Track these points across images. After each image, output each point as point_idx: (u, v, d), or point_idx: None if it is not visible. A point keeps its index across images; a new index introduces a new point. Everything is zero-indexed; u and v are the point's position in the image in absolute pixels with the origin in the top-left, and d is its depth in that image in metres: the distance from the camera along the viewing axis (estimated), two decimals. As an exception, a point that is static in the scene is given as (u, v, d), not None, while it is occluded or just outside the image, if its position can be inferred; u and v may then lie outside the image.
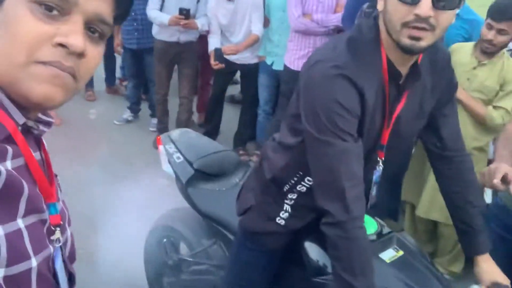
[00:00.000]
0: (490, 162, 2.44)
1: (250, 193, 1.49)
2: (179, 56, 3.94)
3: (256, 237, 1.49)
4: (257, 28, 3.72)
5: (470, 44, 2.45)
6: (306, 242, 1.47)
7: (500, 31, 2.23)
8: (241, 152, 4.10)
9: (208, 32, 3.85)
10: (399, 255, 1.43)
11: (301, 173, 1.34)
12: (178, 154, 2.03)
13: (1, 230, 0.53)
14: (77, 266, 0.72)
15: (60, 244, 0.66)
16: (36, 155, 0.64)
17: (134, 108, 4.72)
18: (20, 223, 0.56)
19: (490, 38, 2.26)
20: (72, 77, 0.59)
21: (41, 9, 0.56)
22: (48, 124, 0.67)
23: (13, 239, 0.54)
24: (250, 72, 3.92)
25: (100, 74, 4.98)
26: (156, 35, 3.90)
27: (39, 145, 0.67)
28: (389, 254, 1.42)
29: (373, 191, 1.38)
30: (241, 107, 4.25)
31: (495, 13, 2.22)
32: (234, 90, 5.11)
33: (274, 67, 3.71)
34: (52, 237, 0.64)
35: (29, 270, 0.56)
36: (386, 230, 1.50)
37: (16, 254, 0.54)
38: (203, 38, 4.01)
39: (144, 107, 4.72)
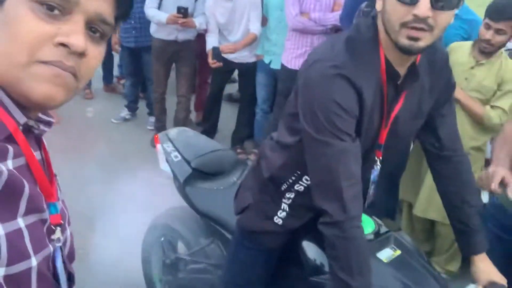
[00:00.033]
0: (487, 161, 2.45)
1: (248, 192, 1.49)
2: (177, 55, 3.93)
3: (254, 236, 1.49)
4: (255, 27, 3.72)
5: (468, 44, 2.46)
6: (304, 242, 1.47)
7: (498, 31, 2.23)
8: (239, 150, 4.10)
9: (206, 30, 3.85)
10: (397, 254, 1.43)
11: (299, 172, 1.34)
12: (176, 153, 2.02)
13: (2, 229, 0.53)
14: (74, 265, 0.72)
15: (61, 243, 0.66)
16: (37, 154, 0.64)
17: (132, 107, 4.71)
18: (21, 222, 0.56)
19: (488, 38, 2.26)
20: (73, 76, 0.60)
21: (43, 8, 0.56)
22: (48, 123, 0.67)
23: (14, 238, 0.54)
24: (248, 71, 3.92)
25: (97, 72, 4.96)
26: (154, 34, 3.89)
27: (39, 144, 0.67)
28: (386, 254, 1.42)
29: (371, 190, 1.38)
30: (239, 106, 4.25)
31: (493, 13, 2.22)
32: (232, 88, 5.11)
33: (272, 66, 3.71)
34: (52, 237, 0.64)
35: (29, 269, 0.57)
36: (383, 229, 1.50)
37: (16, 253, 0.55)
38: (201, 37, 4.00)
39: (142, 105, 4.71)
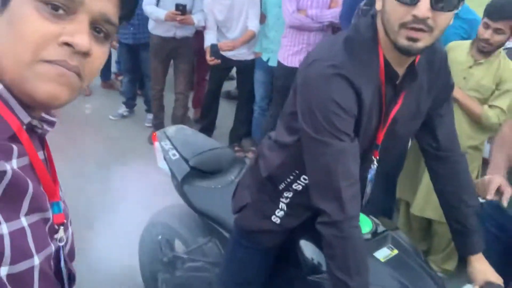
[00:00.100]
0: (485, 161, 2.45)
1: (245, 191, 1.49)
2: (175, 52, 3.92)
3: (252, 235, 1.49)
4: (254, 24, 3.71)
5: (467, 43, 2.46)
6: (302, 241, 1.47)
7: (496, 30, 2.23)
8: (236, 148, 4.10)
9: (204, 28, 3.84)
10: (394, 254, 1.43)
11: (297, 171, 1.34)
12: (174, 151, 2.02)
13: (6, 228, 0.53)
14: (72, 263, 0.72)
15: (64, 242, 0.66)
16: (40, 154, 0.64)
17: (130, 103, 4.70)
18: (24, 221, 0.56)
19: (486, 37, 2.26)
20: (77, 76, 0.60)
21: (48, 8, 0.57)
22: (51, 123, 0.67)
23: (17, 237, 0.55)
24: (246, 69, 3.92)
25: (95, 68, 4.94)
26: (152, 30, 3.88)
27: (42, 144, 0.67)
28: (383, 253, 1.42)
29: (368, 189, 1.38)
30: (237, 103, 4.25)
31: (491, 13, 2.22)
32: (230, 86, 5.10)
33: (270, 64, 3.71)
34: (55, 236, 0.65)
35: (31, 268, 0.57)
36: (381, 228, 1.51)
37: (19, 252, 0.55)
38: (199, 34, 3.99)
39: (140, 102, 4.70)
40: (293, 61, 3.41)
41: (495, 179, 1.45)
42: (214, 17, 3.74)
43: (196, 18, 3.73)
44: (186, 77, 4.07)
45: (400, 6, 1.02)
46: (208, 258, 1.93)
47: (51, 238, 0.63)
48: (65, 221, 0.67)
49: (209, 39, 3.77)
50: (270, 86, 3.85)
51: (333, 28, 3.45)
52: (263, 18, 3.78)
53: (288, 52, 3.43)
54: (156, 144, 2.09)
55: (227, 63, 3.88)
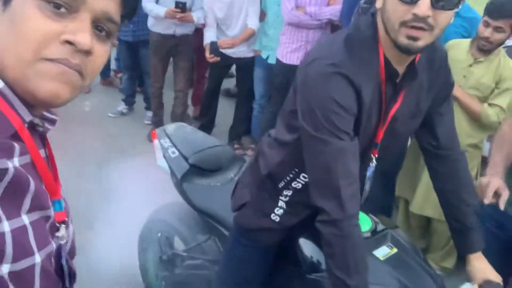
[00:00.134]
0: (484, 159, 2.45)
1: (245, 189, 1.49)
2: (175, 49, 3.92)
3: (251, 233, 1.49)
4: (253, 22, 3.70)
5: (467, 41, 2.45)
6: (301, 239, 1.47)
7: (496, 29, 2.23)
8: (236, 146, 4.10)
9: (204, 25, 3.83)
10: (393, 252, 1.43)
11: (296, 170, 1.34)
12: (173, 149, 2.02)
13: (7, 226, 0.53)
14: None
15: (65, 240, 0.66)
16: (41, 152, 0.64)
17: (129, 101, 4.70)
18: (25, 219, 0.57)
19: (486, 36, 2.26)
20: (79, 74, 0.60)
21: (49, 6, 0.57)
22: (52, 121, 0.67)
23: (18, 235, 0.55)
24: (246, 66, 3.91)
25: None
26: (151, 28, 3.87)
27: (43, 142, 0.67)
28: (383, 252, 1.42)
29: (367, 187, 1.38)
30: (237, 101, 4.24)
31: (492, 11, 2.22)
32: (229, 83, 5.09)
33: (270, 61, 3.70)
34: (57, 234, 0.65)
35: (33, 266, 0.57)
36: (380, 227, 1.51)
37: (21, 250, 0.55)
38: (199, 31, 3.99)
39: (139, 99, 4.69)
40: (292, 59, 3.41)
41: (492, 182, 1.46)
42: (214, 15, 3.73)
43: (196, 16, 3.73)
44: (186, 74, 4.07)
45: (401, 5, 1.02)
46: (208, 256, 1.93)
47: (52, 236, 0.63)
48: (66, 219, 0.67)
49: (209, 36, 3.76)
50: (269, 83, 3.85)
51: (332, 25, 3.45)
52: (263, 16, 3.77)
53: (286, 49, 3.43)
54: (156, 142, 2.09)
55: (227, 61, 3.88)
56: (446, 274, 2.67)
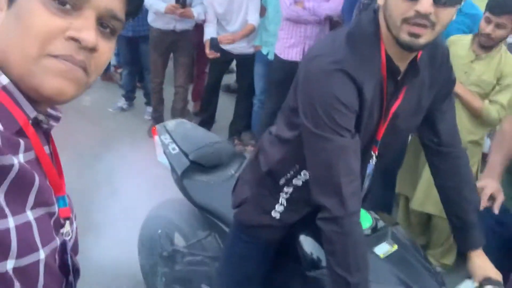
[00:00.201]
0: (484, 156, 2.45)
1: (245, 185, 1.49)
2: (175, 45, 3.91)
3: (251, 230, 1.49)
4: (254, 18, 3.69)
5: (468, 37, 2.45)
6: (301, 236, 1.47)
7: (498, 25, 2.22)
8: (236, 142, 4.10)
9: (204, 21, 3.82)
10: (394, 249, 1.43)
11: (297, 166, 1.34)
12: (174, 145, 2.02)
13: (12, 222, 0.54)
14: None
15: (70, 237, 0.67)
16: (46, 149, 0.65)
17: (129, 96, 4.69)
18: (30, 215, 0.57)
19: (488, 32, 2.25)
20: (84, 71, 0.60)
21: (54, 3, 0.57)
22: (56, 118, 0.68)
23: (23, 231, 0.55)
24: (246, 62, 3.90)
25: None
26: (151, 23, 3.86)
27: (47, 139, 0.67)
28: (383, 249, 1.42)
29: (366, 184, 1.38)
30: (237, 97, 4.24)
31: (494, 7, 2.21)
32: (229, 79, 5.08)
33: (270, 57, 3.69)
34: (62, 230, 0.65)
35: (37, 262, 0.57)
36: (380, 224, 1.51)
37: (25, 246, 0.55)
38: (199, 27, 3.97)
39: (139, 95, 4.68)
40: (290, 54, 3.41)
41: (488, 186, 1.49)
42: (214, 10, 3.72)
43: (196, 11, 3.71)
44: (186, 70, 4.06)
45: (403, 1, 1.02)
46: (208, 252, 1.93)
47: (56, 232, 0.63)
48: (70, 215, 0.67)
49: (209, 32, 3.75)
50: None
51: (331, 21, 3.44)
52: (263, 11, 3.76)
53: (284, 45, 3.42)
54: (156, 138, 2.09)
55: (227, 56, 3.87)
56: (446, 270, 2.68)
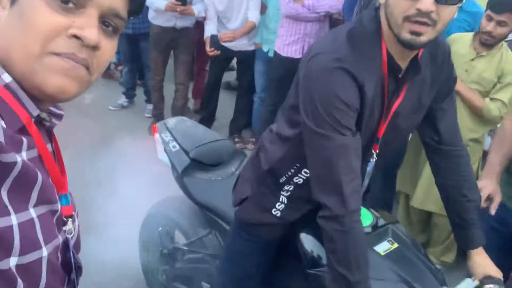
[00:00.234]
0: (485, 153, 2.45)
1: (246, 183, 1.48)
2: (175, 42, 3.90)
3: (252, 228, 1.49)
4: (254, 15, 3.69)
5: (469, 35, 2.44)
6: (302, 234, 1.47)
7: (499, 23, 2.21)
8: (236, 139, 4.10)
9: (204, 18, 3.81)
10: (394, 247, 1.43)
11: (298, 165, 1.34)
12: (174, 143, 2.02)
13: (15, 219, 0.54)
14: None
15: (72, 234, 0.67)
16: (48, 147, 0.65)
17: (130, 94, 4.68)
18: (32, 212, 0.57)
19: (489, 30, 2.24)
20: (86, 69, 0.60)
21: (57, 1, 0.57)
22: (59, 116, 0.68)
23: (26, 228, 0.55)
24: (247, 59, 3.90)
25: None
26: (152, 20, 3.85)
27: (50, 137, 0.68)
28: (384, 247, 1.43)
29: (365, 182, 1.38)
30: (237, 94, 4.24)
31: (495, 5, 2.20)
32: (230, 76, 5.07)
33: (270, 55, 3.69)
34: (64, 228, 0.65)
35: (40, 259, 0.57)
36: (381, 222, 1.51)
37: (28, 243, 0.55)
38: (199, 24, 3.97)
39: (140, 92, 4.68)
40: (289, 51, 3.41)
41: (486, 187, 1.50)
42: (215, 8, 3.71)
43: (197, 9, 3.71)
44: (186, 67, 4.06)
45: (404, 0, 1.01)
46: (208, 250, 1.93)
47: (58, 230, 0.64)
48: (73, 213, 0.67)
49: (209, 30, 3.75)
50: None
51: (331, 18, 3.44)
52: (263, 9, 3.75)
53: (284, 42, 3.43)
54: (157, 135, 2.09)
55: (228, 54, 3.87)
56: (446, 268, 2.68)
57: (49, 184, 0.61)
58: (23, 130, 0.58)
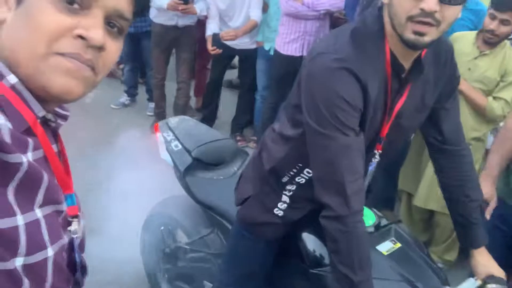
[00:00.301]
0: (487, 152, 2.44)
1: (248, 183, 1.48)
2: (177, 40, 3.90)
3: (254, 228, 1.49)
4: (256, 14, 3.68)
5: (472, 34, 2.43)
6: (304, 233, 1.47)
7: (503, 21, 2.20)
8: (238, 138, 4.10)
9: (206, 17, 3.81)
10: (397, 247, 1.43)
11: (300, 165, 1.33)
12: (176, 142, 2.02)
13: (22, 219, 0.54)
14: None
15: (77, 235, 0.67)
16: (54, 147, 0.65)
17: (131, 92, 4.68)
18: (38, 213, 0.57)
19: (492, 28, 2.23)
20: (91, 70, 0.61)
21: (63, 2, 0.57)
22: (64, 117, 0.68)
23: (32, 228, 0.55)
24: (249, 58, 3.90)
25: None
26: (154, 19, 3.85)
27: (55, 138, 0.68)
28: (386, 246, 1.43)
29: (367, 181, 1.38)
30: (239, 93, 4.24)
31: (498, 3, 2.19)
32: (232, 75, 5.07)
33: (272, 53, 3.68)
34: (69, 228, 0.66)
35: (46, 260, 0.58)
36: (384, 222, 1.51)
37: (34, 243, 0.56)
38: (201, 22, 3.96)
39: (141, 91, 4.68)
40: (289, 49, 3.41)
41: (483, 189, 1.49)
42: (217, 6, 3.71)
43: (199, 8, 3.70)
44: (188, 66, 4.05)
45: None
46: (210, 249, 1.93)
47: (64, 230, 0.64)
48: (78, 213, 0.68)
49: (211, 28, 3.74)
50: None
51: (331, 16, 3.43)
52: (265, 7, 3.75)
53: (284, 40, 3.43)
54: (159, 135, 2.09)
55: (229, 52, 3.86)
56: (448, 266, 2.68)
57: (55, 184, 0.61)
58: (29, 131, 0.59)
